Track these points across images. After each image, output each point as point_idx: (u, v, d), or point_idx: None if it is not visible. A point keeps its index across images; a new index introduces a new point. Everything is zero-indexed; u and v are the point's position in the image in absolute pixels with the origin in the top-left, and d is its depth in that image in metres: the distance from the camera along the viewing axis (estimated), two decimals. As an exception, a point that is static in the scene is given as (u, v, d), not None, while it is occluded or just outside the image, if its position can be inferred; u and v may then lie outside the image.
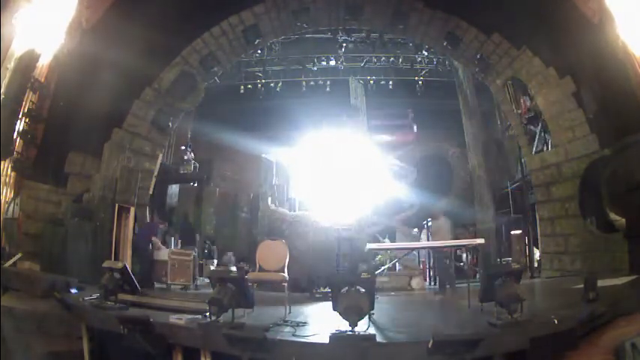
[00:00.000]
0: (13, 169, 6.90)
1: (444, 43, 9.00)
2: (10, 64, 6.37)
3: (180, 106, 8.91)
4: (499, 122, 12.85)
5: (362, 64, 13.14)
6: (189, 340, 3.81)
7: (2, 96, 6.16)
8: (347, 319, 3.50)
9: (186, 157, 12.39)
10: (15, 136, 6.82)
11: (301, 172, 13.72)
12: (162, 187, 10.96)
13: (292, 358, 3.39)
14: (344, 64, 13.08)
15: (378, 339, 3.55)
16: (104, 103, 7.60)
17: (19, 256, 6.35)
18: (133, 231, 7.73)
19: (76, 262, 6.38)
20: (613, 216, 6.37)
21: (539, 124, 8.26)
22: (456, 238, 10.64)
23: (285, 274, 5.20)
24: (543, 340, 3.41)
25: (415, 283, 8.53)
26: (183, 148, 12.79)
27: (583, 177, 7.08)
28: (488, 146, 12.31)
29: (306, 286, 7.17)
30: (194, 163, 12.74)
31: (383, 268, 10.46)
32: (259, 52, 12.33)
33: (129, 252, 7.57)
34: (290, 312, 5.00)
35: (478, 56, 8.65)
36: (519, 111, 8.55)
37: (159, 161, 8.84)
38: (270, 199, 12.15)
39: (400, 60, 12.89)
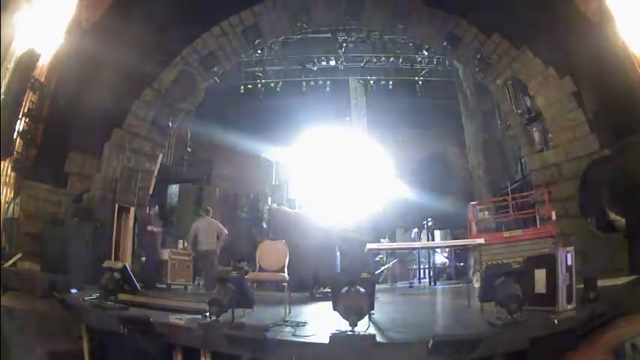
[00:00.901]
0: (13, 169, 6.89)
1: (444, 43, 8.99)
2: (10, 64, 6.36)
3: (180, 106, 8.91)
4: (499, 122, 12.85)
5: (362, 64, 13.15)
6: (189, 340, 3.81)
7: (2, 96, 6.15)
8: (347, 319, 3.50)
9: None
10: (15, 136, 6.81)
11: (301, 172, 13.74)
12: (162, 187, 10.95)
13: (292, 358, 3.39)
14: (344, 64, 13.09)
15: (378, 339, 3.55)
16: (104, 103, 7.59)
17: (19, 256, 6.34)
18: (133, 231, 7.75)
19: (76, 262, 6.37)
20: (613, 216, 6.37)
21: (540, 124, 8.25)
22: (456, 238, 10.67)
23: (285, 274, 5.20)
24: (543, 340, 3.41)
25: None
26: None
27: (583, 177, 7.07)
28: (488, 146, 12.32)
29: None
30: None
31: (383, 268, 10.48)
32: (259, 52, 12.34)
33: (129, 252, 7.58)
34: (290, 312, 5.01)
35: (478, 56, 8.65)
36: (519, 111, 8.54)
37: (159, 161, 8.83)
38: (270, 199, 12.15)
39: (400, 60, 12.90)
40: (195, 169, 13.36)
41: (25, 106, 6.95)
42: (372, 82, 13.41)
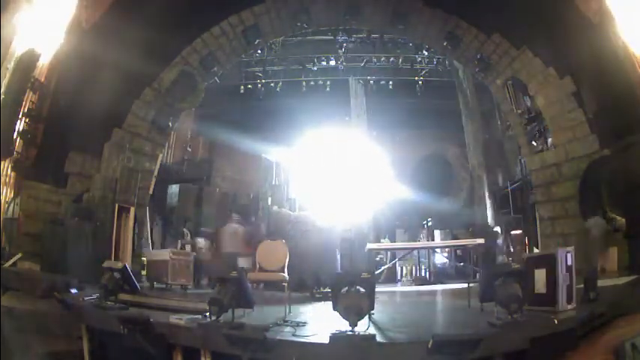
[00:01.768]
0: (13, 169, 6.88)
1: (444, 43, 8.98)
2: (10, 64, 6.36)
3: (180, 106, 8.90)
4: (499, 122, 12.86)
5: (362, 64, 13.13)
6: (189, 340, 3.81)
7: (2, 96, 6.15)
8: (347, 319, 3.50)
9: None
10: (15, 136, 6.81)
11: (301, 172, 13.74)
12: (162, 187, 10.95)
13: (292, 358, 3.39)
14: (344, 64, 13.07)
15: (378, 339, 3.55)
16: (104, 103, 7.58)
17: (19, 256, 6.34)
18: (133, 231, 7.74)
19: (76, 262, 6.37)
20: (613, 216, 6.36)
21: (540, 124, 8.25)
22: (456, 238, 10.68)
23: (285, 274, 5.20)
24: (543, 340, 3.41)
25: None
26: None
27: (583, 177, 7.05)
28: (488, 146, 12.32)
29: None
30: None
31: (382, 268, 10.48)
32: (259, 52, 12.32)
33: (129, 252, 7.58)
34: (290, 312, 5.01)
35: (478, 56, 8.63)
36: (519, 111, 8.54)
37: (159, 161, 8.83)
38: (270, 199, 12.16)
39: (400, 60, 12.88)
40: (195, 169, 13.36)
41: (25, 106, 6.95)
42: (372, 82, 13.39)
